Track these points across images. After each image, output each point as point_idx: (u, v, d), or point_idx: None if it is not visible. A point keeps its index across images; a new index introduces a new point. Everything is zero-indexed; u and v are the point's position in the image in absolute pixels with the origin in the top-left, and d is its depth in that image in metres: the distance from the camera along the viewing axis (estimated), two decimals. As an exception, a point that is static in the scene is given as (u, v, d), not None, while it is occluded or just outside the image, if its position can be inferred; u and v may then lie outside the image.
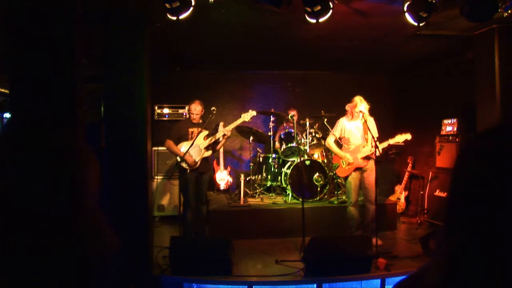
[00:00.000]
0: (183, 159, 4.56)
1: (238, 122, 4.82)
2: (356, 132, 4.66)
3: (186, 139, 4.72)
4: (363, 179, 4.60)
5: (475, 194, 0.59)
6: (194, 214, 4.72)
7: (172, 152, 4.77)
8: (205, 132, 4.74)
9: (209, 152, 4.77)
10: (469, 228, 0.59)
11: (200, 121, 4.88)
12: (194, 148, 4.62)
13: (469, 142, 0.67)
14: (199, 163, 4.66)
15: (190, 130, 4.79)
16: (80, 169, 0.89)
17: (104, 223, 0.90)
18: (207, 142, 4.69)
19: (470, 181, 0.61)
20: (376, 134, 4.55)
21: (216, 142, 4.79)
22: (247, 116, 4.85)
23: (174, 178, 6.14)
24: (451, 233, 0.63)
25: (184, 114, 6.75)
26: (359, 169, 4.58)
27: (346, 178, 4.69)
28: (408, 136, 4.45)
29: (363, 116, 4.47)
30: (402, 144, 4.62)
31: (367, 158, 4.56)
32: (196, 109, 4.79)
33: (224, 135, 4.72)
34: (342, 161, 4.68)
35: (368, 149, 4.52)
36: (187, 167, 4.62)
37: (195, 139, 4.57)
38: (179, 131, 4.81)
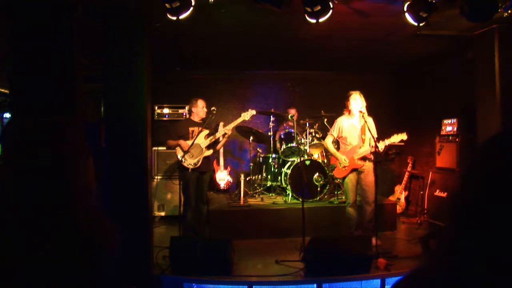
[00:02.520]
0: (184, 157, 4.57)
1: (238, 121, 4.83)
2: (353, 132, 4.62)
3: (187, 139, 4.72)
4: (360, 180, 4.56)
5: (492, 196, 0.59)
6: (194, 214, 4.73)
7: (175, 147, 4.74)
8: (206, 131, 4.76)
9: (210, 151, 4.78)
10: (478, 229, 0.59)
11: (201, 120, 4.90)
12: (195, 147, 4.63)
13: (486, 142, 0.67)
14: (200, 162, 4.67)
15: (191, 129, 4.80)
16: (78, 168, 0.90)
17: (102, 220, 0.90)
18: (208, 141, 4.70)
19: (485, 183, 0.62)
20: (375, 135, 4.54)
21: (217, 141, 4.80)
22: (247, 115, 4.87)
23: (174, 178, 6.15)
24: (457, 234, 0.64)
25: (184, 114, 6.76)
26: (355, 170, 4.56)
27: (343, 179, 4.66)
28: (403, 136, 4.39)
29: (362, 116, 4.45)
30: (402, 144, 4.60)
31: (363, 159, 4.53)
32: (204, 106, 4.84)
33: (224, 134, 4.74)
34: (339, 162, 4.65)
35: (364, 150, 4.49)
36: (188, 166, 4.62)
37: (195, 138, 4.59)
38: (179, 130, 4.81)
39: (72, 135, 0.91)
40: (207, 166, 4.83)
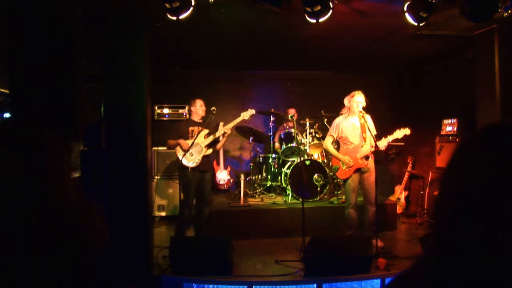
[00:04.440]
0: (184, 156, 4.60)
1: (238, 120, 4.85)
2: (354, 131, 4.56)
3: (187, 138, 4.74)
4: (363, 180, 4.51)
5: (474, 188, 0.59)
6: (194, 214, 4.75)
7: (175, 146, 4.75)
8: (206, 131, 4.79)
9: (210, 150, 4.80)
10: (460, 223, 0.59)
11: (201, 120, 4.91)
12: (195, 147, 4.66)
13: (468, 136, 0.67)
14: (200, 161, 4.68)
15: (191, 129, 4.82)
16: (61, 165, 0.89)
17: (94, 214, 0.90)
18: (208, 140, 4.72)
19: (466, 173, 0.61)
20: (374, 132, 4.50)
21: (216, 140, 4.82)
22: (247, 114, 4.91)
23: (174, 178, 6.16)
24: (439, 228, 0.63)
25: (184, 114, 6.76)
26: (359, 170, 4.51)
27: (346, 180, 4.58)
28: (407, 131, 4.34)
29: (362, 116, 4.43)
30: (402, 143, 4.58)
31: (366, 157, 4.48)
32: (202, 104, 4.88)
33: (224, 133, 4.76)
34: (342, 163, 4.59)
35: (366, 149, 4.44)
36: (188, 166, 4.63)
37: (196, 138, 4.63)
38: (179, 130, 4.84)
39: (50, 140, 0.90)
40: (207, 166, 4.85)
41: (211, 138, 4.73)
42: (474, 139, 0.66)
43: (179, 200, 4.61)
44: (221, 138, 4.84)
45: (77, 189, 0.91)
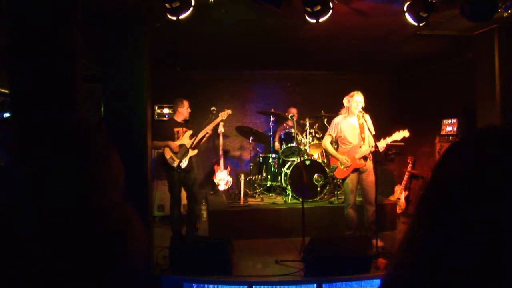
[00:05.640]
0: (172, 157, 4.68)
1: (217, 120, 4.96)
2: (353, 131, 4.57)
3: (173, 139, 4.80)
4: (361, 180, 4.52)
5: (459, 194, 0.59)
6: (182, 211, 4.87)
7: (163, 147, 4.80)
8: (190, 132, 4.90)
9: (195, 151, 4.87)
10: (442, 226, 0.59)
11: (183, 121, 4.98)
12: (181, 148, 4.77)
13: (463, 138, 0.67)
14: (187, 162, 4.72)
15: (176, 130, 4.87)
16: (95, 164, 0.88)
17: (131, 215, 0.88)
18: (192, 141, 4.78)
19: (456, 180, 0.61)
20: (372, 132, 4.50)
21: (199, 141, 4.92)
22: (224, 114, 5.01)
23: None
24: (421, 231, 0.63)
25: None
26: (357, 170, 4.51)
27: (344, 179, 4.59)
28: (405, 133, 4.34)
29: (363, 116, 4.43)
30: (402, 144, 4.58)
31: (364, 158, 4.49)
32: (188, 106, 4.95)
33: (206, 133, 4.86)
34: (340, 163, 4.59)
35: (365, 149, 4.45)
36: (173, 165, 4.67)
37: (196, 140, 4.69)
38: (164, 131, 4.89)
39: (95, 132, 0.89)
40: (190, 165, 4.89)
41: (195, 139, 4.80)
42: (470, 142, 0.65)
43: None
44: (204, 138, 4.94)
45: (121, 194, 0.89)
